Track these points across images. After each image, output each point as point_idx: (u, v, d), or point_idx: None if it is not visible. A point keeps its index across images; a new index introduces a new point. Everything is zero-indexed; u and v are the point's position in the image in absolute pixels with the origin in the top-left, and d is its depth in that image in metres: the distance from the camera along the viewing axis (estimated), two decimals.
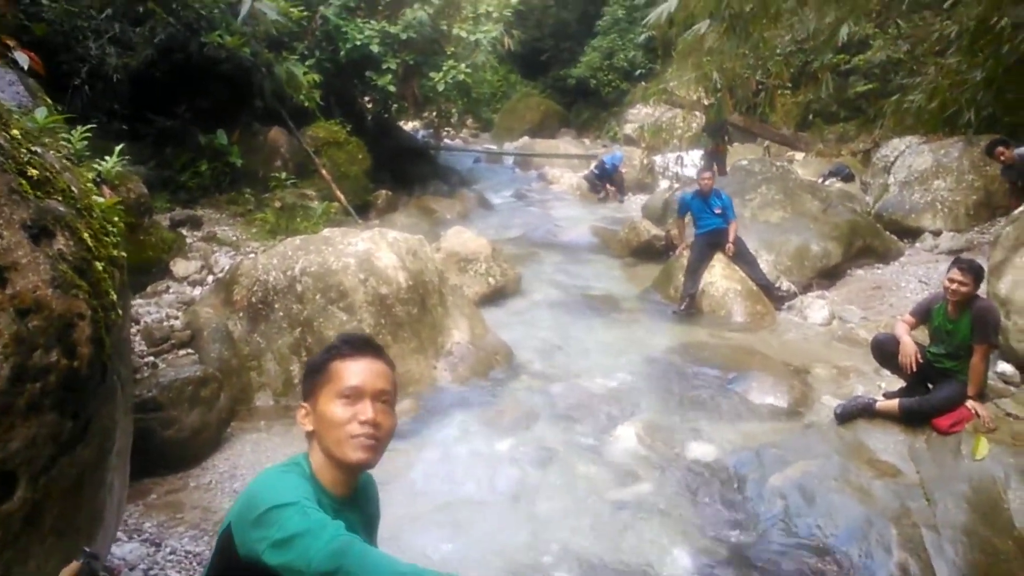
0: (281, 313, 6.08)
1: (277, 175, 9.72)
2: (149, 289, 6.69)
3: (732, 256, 8.50)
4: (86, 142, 3.76)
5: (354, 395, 1.68)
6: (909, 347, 4.99)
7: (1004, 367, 6.39)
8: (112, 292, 2.37)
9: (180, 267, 7.16)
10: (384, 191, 12.06)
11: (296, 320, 6.05)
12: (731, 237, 8.49)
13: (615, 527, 4.56)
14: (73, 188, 2.44)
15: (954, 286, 4.79)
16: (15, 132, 2.29)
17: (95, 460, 2.36)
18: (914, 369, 4.96)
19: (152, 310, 6.33)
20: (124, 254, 2.63)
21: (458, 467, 5.18)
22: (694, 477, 5.08)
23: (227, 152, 9.38)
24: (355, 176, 11.09)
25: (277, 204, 9.25)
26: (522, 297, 8.75)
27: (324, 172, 10.32)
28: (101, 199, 2.69)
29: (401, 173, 13.62)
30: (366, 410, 1.66)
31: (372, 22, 11.66)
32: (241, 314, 6.11)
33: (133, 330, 5.98)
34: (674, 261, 9.06)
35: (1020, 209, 7.31)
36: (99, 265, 2.35)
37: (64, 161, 2.58)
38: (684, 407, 6.07)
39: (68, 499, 2.26)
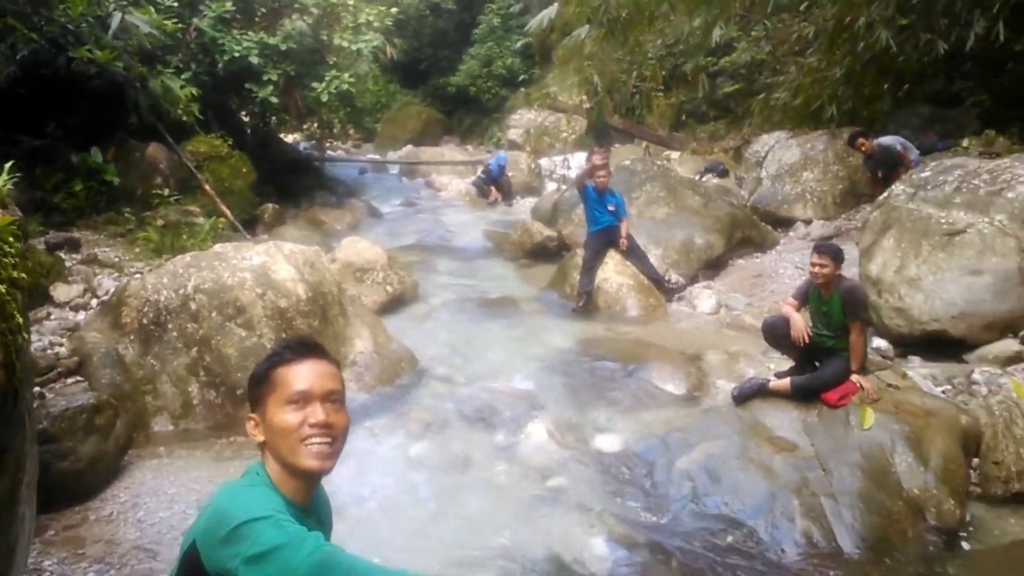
0: (175, 333, 5.87)
1: (159, 192, 9.33)
2: (29, 317, 6.30)
3: (625, 252, 8.75)
4: None
5: (302, 399, 1.65)
6: (799, 321, 5.28)
7: (879, 343, 6.83)
8: (18, 314, 2.26)
9: (61, 292, 6.78)
10: (271, 205, 11.78)
11: (192, 339, 5.84)
12: (623, 233, 8.74)
13: (533, 522, 4.63)
14: None
15: (816, 269, 5.16)
16: None
17: (10, 492, 2.24)
18: (806, 341, 5.24)
19: (34, 338, 5.97)
20: (25, 275, 2.50)
21: (373, 477, 5.13)
22: (605, 467, 5.22)
23: (102, 170, 8.95)
24: (240, 190, 10.78)
25: (160, 222, 8.89)
26: (421, 303, 8.74)
27: (208, 187, 9.99)
28: None
29: (286, 186, 13.33)
30: (316, 412, 1.63)
31: (250, 33, 11.37)
32: (132, 337, 5.85)
33: None
34: (569, 260, 9.25)
35: (884, 195, 7.82)
36: (1, 287, 2.23)
37: None
38: (590, 401, 6.21)
39: None
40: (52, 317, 6.47)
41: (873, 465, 4.61)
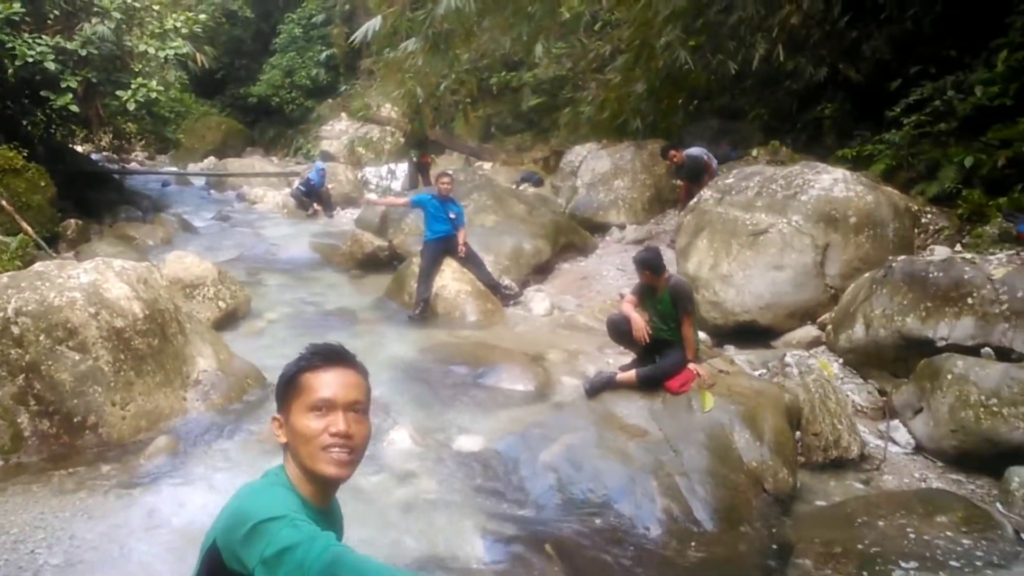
0: None
1: None
2: None
3: (463, 259, 8.94)
4: None
5: (326, 407, 1.66)
6: (639, 322, 5.67)
7: (699, 334, 7.48)
8: None
9: None
10: (73, 221, 10.91)
11: (17, 367, 5.37)
12: (462, 240, 8.93)
13: (405, 526, 4.69)
14: None
15: (640, 276, 5.66)
16: None
17: None
18: (647, 340, 5.66)
19: None
20: None
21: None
22: (470, 467, 5.35)
23: None
24: (39, 206, 9.91)
25: None
26: (256, 319, 8.47)
27: (4, 203, 9.13)
28: None
29: (86, 200, 12.40)
30: (338, 422, 1.65)
31: (43, 37, 10.47)
32: None
33: None
34: (405, 269, 9.31)
35: (695, 200, 8.55)
36: None
37: None
38: (445, 405, 6.34)
39: None
40: None
41: (716, 443, 5.06)
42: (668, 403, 5.49)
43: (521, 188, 13.88)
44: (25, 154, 10.22)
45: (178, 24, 11.97)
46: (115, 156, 15.71)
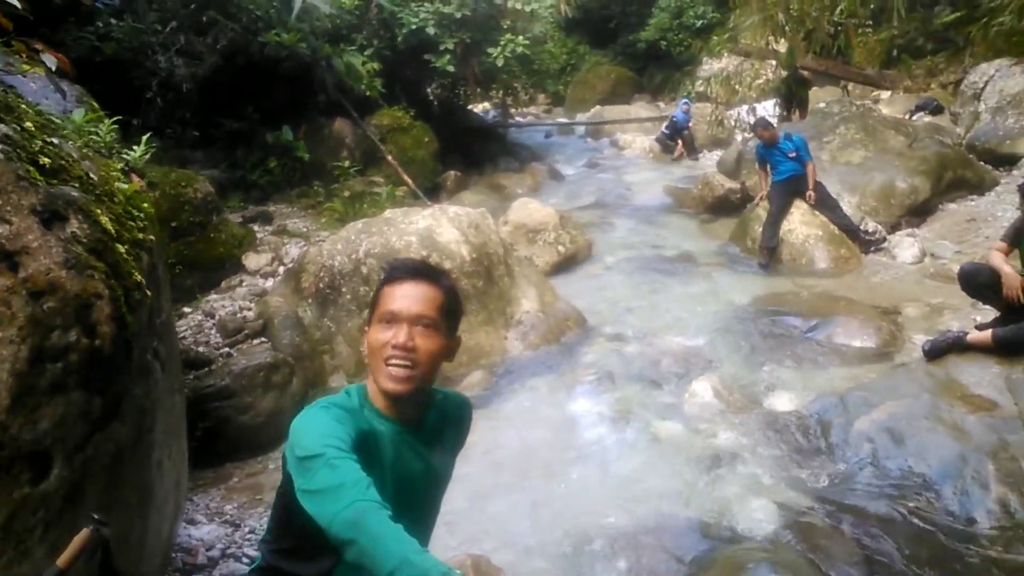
0: (348, 296, 6.15)
1: (342, 165, 9.85)
2: (223, 284, 6.90)
3: (814, 204, 8.11)
4: (114, 134, 3.86)
5: (392, 320, 1.64)
6: (1013, 279, 4.56)
7: None
8: (136, 273, 2.40)
9: (252, 261, 7.33)
10: (453, 172, 12.06)
11: (364, 302, 6.08)
12: (811, 183, 8.09)
13: (695, 483, 4.44)
14: (92, 175, 2.48)
15: None
16: (28, 124, 2.35)
17: (133, 437, 2.40)
18: (1021, 301, 4.57)
19: (226, 303, 6.51)
20: (153, 237, 2.67)
21: (534, 433, 5.12)
22: (775, 428, 4.88)
23: (294, 147, 9.57)
24: (422, 160, 11.14)
25: (346, 193, 9.39)
26: (595, 263, 8.61)
27: (390, 158, 10.41)
28: (125, 185, 2.74)
29: (471, 153, 13.60)
30: (399, 334, 1.62)
31: (426, 4, 11.63)
32: (310, 300, 6.20)
33: (209, 323, 6.18)
34: (749, 212, 8.74)
35: None
36: (121, 247, 2.37)
37: (85, 151, 2.63)
38: (762, 358, 5.86)
39: (109, 475, 2.30)
40: (243, 284, 7.02)
41: None
42: None
43: (914, 117, 12.15)
44: (412, 113, 11.51)
45: None
46: (502, 111, 16.96)
